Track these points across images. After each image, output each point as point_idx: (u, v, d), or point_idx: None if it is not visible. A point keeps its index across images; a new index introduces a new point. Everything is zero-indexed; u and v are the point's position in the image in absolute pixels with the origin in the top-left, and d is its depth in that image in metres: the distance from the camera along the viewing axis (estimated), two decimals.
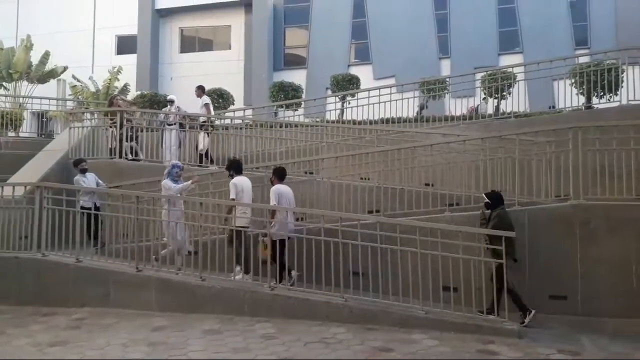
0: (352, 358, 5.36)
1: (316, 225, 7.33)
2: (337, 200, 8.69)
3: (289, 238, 7.37)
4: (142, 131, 11.66)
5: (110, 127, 11.18)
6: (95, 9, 24.32)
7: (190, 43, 24.41)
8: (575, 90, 11.77)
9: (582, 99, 11.75)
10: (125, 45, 24.07)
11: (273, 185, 7.75)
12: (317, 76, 21.51)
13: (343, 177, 9.13)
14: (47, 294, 7.63)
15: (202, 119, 11.60)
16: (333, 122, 13.28)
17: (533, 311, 6.63)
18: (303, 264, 7.00)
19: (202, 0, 23.04)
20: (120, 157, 11.01)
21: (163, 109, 12.92)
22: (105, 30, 24.03)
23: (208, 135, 11.38)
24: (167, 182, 8.19)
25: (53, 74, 20.34)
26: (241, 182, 7.80)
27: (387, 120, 12.48)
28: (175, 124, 11.74)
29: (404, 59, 21.10)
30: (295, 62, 23.87)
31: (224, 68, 22.29)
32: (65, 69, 20.40)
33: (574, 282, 7.15)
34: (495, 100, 12.54)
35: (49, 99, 15.63)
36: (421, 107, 13.19)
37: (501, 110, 12.40)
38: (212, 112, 12.10)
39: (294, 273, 7.30)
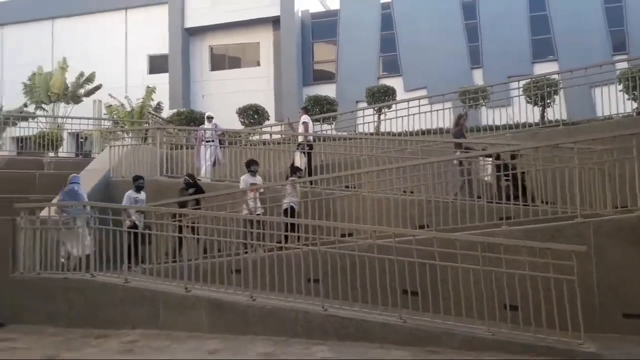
0: None
1: (367, 241, 7.10)
2: (384, 215, 8.44)
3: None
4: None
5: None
6: (127, 30, 24.79)
7: (220, 61, 24.62)
8: (621, 96, 11.36)
9: (630, 105, 11.32)
10: (156, 64, 24.43)
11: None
12: (347, 90, 21.40)
13: (386, 190, 8.87)
14: (97, 315, 7.50)
15: (300, 138, 11.34)
16: (371, 134, 13.08)
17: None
18: (357, 283, 6.76)
19: (230, 18, 23.22)
20: None
21: (200, 126, 12.91)
22: (137, 51, 24.43)
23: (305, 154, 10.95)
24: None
25: (86, 87, 20.54)
26: None
27: (427, 132, 12.21)
28: (212, 140, 11.69)
29: (435, 70, 20.83)
30: (324, 77, 23.83)
31: (254, 84, 22.37)
32: (92, 81, 20.51)
33: None
34: (540, 109, 12.20)
35: (87, 118, 15.86)
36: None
37: (546, 119, 12.04)
38: (310, 131, 11.77)
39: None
